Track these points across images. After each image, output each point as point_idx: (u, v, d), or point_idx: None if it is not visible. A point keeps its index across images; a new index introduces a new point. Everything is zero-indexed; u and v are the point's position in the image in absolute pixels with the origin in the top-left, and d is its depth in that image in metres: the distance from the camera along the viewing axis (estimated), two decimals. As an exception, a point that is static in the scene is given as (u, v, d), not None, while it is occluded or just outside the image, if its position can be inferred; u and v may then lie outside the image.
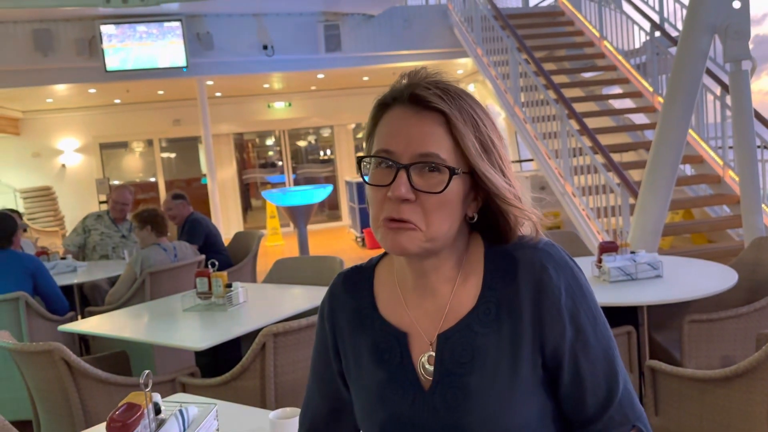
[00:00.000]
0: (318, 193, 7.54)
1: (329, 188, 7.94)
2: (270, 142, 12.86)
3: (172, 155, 12.27)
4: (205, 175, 12.12)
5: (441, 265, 0.93)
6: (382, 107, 0.92)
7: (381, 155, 0.88)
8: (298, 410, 1.53)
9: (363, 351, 0.98)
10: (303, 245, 7.55)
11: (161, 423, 1.47)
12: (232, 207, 11.83)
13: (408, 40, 8.89)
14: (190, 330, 2.83)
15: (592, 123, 6.16)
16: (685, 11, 7.14)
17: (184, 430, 1.49)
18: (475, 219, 0.92)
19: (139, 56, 7.83)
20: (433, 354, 0.92)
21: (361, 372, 0.98)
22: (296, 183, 12.28)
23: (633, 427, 0.91)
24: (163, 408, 1.51)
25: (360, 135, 12.96)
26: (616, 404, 0.90)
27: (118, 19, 7.74)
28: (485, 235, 0.95)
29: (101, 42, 7.70)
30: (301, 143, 12.88)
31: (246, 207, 12.37)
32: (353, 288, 1.02)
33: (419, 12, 9.21)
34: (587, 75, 8.25)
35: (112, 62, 7.77)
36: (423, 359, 0.92)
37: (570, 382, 0.89)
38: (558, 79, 7.20)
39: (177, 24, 7.81)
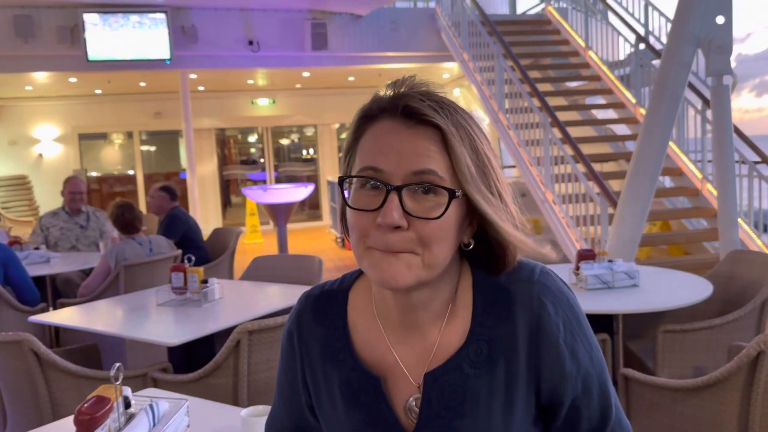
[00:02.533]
0: (299, 192, 7.51)
1: (311, 187, 7.90)
2: (252, 138, 12.78)
3: (152, 148, 12.13)
4: (185, 170, 12.02)
5: (431, 298, 0.84)
6: (367, 119, 0.82)
7: (368, 174, 0.78)
8: (268, 408, 1.52)
9: (335, 388, 0.89)
10: (282, 244, 7.51)
11: (130, 417, 1.44)
12: (212, 203, 11.73)
13: (395, 42, 8.89)
14: (164, 325, 2.79)
15: (574, 132, 6.21)
16: (670, 25, 7.24)
17: (154, 425, 1.47)
18: (471, 246, 0.84)
19: (121, 46, 7.73)
20: (420, 396, 0.84)
21: (335, 410, 0.89)
22: (278, 181, 12.22)
23: None
24: (133, 402, 1.48)
25: (343, 135, 12.94)
26: (608, 428, 0.87)
27: (101, 8, 7.63)
28: (474, 262, 0.87)
29: (84, 30, 7.59)
30: (284, 141, 12.82)
31: (225, 203, 12.27)
32: (323, 316, 0.91)
33: (407, 14, 9.22)
34: (571, 84, 8.32)
35: (94, 52, 7.66)
36: (410, 402, 0.85)
37: (567, 415, 0.85)
38: (542, 87, 7.24)
39: (162, 15, 7.72)
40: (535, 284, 0.83)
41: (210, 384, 2.36)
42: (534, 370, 0.82)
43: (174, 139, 12.25)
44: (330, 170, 12.33)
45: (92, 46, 7.62)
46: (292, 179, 12.21)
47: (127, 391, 1.46)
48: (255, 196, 7.55)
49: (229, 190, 12.43)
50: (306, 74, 10.00)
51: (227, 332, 2.60)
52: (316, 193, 11.90)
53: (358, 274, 0.93)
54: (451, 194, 0.77)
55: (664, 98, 4.06)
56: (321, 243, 9.93)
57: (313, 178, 12.41)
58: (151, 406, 1.49)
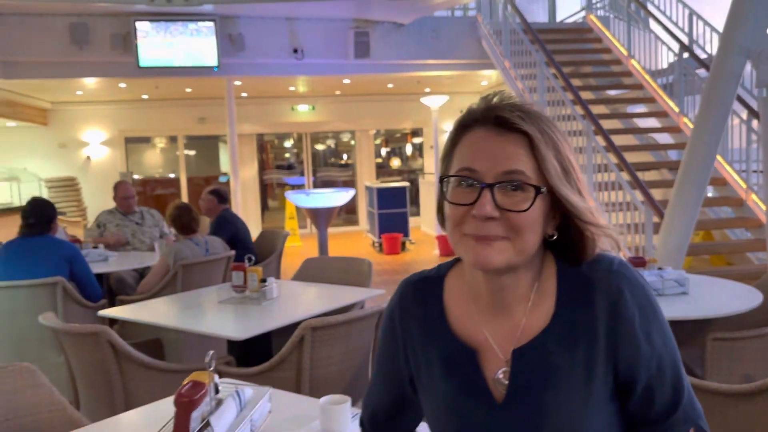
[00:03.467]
0: (340, 197, 7.63)
1: (352, 192, 8.03)
2: (288, 144, 13.00)
3: (192, 152, 12.43)
4: (224, 174, 12.28)
5: (517, 282, 0.95)
6: (463, 129, 0.94)
7: (464, 174, 0.91)
8: (346, 398, 1.62)
9: (434, 362, 1.00)
10: (323, 247, 7.64)
11: (219, 402, 1.56)
12: (252, 206, 11.96)
13: (435, 49, 8.98)
14: (226, 321, 2.92)
15: (615, 140, 6.21)
16: (714, 34, 7.20)
17: (240, 409, 1.58)
18: (555, 237, 0.94)
19: (171, 54, 7.98)
20: (508, 369, 0.95)
21: (433, 382, 1.00)
22: (314, 186, 12.40)
23: (694, 425, 0.96)
24: (220, 388, 1.60)
25: (378, 141, 13.08)
26: (681, 408, 0.94)
27: (153, 17, 7.89)
28: (558, 254, 0.97)
29: (136, 38, 7.86)
30: (320, 147, 13.01)
31: (263, 207, 12.50)
32: (422, 298, 1.04)
33: (448, 23, 9.31)
34: (612, 92, 8.31)
35: (145, 58, 7.92)
36: (498, 374, 0.96)
37: (641, 392, 0.93)
38: (583, 95, 7.26)
39: (211, 24, 7.95)
40: (615, 273, 0.93)
41: (273, 377, 2.47)
42: (612, 350, 0.91)
43: (214, 143, 12.53)
44: (367, 175, 12.47)
45: (143, 53, 7.89)
46: (328, 184, 12.37)
47: (216, 378, 1.58)
48: (297, 200, 7.70)
49: (266, 194, 12.66)
50: (346, 81, 10.16)
51: (284, 330, 2.72)
52: (352, 198, 12.05)
53: (453, 263, 1.05)
54: (537, 190, 0.89)
55: (713, 108, 4.07)
56: (358, 247, 10.05)
57: (349, 183, 12.56)
58: (237, 392, 1.61)
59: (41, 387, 1.90)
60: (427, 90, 11.25)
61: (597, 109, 7.18)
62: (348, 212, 12.57)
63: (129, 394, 2.52)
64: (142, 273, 4.62)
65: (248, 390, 1.64)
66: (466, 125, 0.94)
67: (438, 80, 10.41)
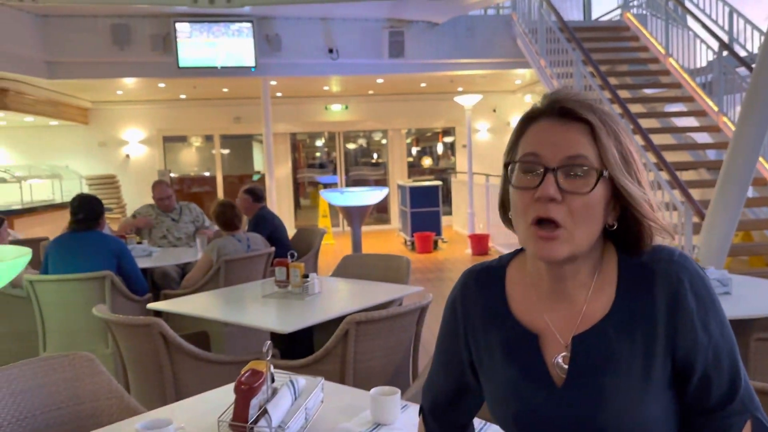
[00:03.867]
0: (374, 195, 7.69)
1: (385, 191, 8.08)
2: (319, 143, 13.11)
3: (226, 151, 12.62)
4: (257, 172, 12.45)
5: (578, 271, 0.98)
6: (529, 120, 0.99)
7: (529, 159, 0.95)
8: (395, 389, 1.66)
9: (495, 347, 1.05)
10: (357, 245, 7.70)
11: (275, 391, 1.61)
12: (286, 205, 12.10)
13: (470, 48, 8.99)
14: (270, 315, 2.99)
15: (653, 140, 6.15)
16: (755, 32, 7.07)
17: (295, 398, 1.63)
18: (615, 227, 0.97)
19: (210, 54, 8.14)
20: (567, 354, 0.98)
21: (494, 366, 1.05)
22: (346, 184, 12.49)
23: (751, 416, 0.97)
24: (275, 378, 1.66)
25: (409, 140, 13.11)
26: (738, 398, 0.96)
27: (192, 18, 8.05)
28: (618, 244, 1.00)
29: (175, 39, 8.02)
30: (351, 146, 13.09)
31: (296, 205, 12.64)
32: (484, 286, 1.09)
33: (483, 21, 9.31)
34: (649, 91, 8.21)
35: (185, 59, 8.08)
36: (558, 359, 0.99)
37: (698, 381, 0.96)
38: (620, 94, 7.19)
39: (248, 25, 8.08)
40: (675, 264, 0.96)
41: (318, 370, 2.52)
42: (670, 339, 0.95)
43: (248, 143, 12.71)
44: (398, 174, 12.51)
45: (183, 54, 8.05)
46: (360, 183, 12.45)
47: (271, 367, 1.64)
48: (332, 198, 7.78)
49: (298, 192, 12.79)
50: (380, 81, 10.22)
51: (326, 325, 2.78)
52: (384, 196, 12.10)
53: (514, 254, 1.10)
54: (599, 174, 0.92)
55: (757, 107, 4.02)
56: (391, 246, 10.10)
57: (381, 182, 12.61)
58: (291, 382, 1.66)
59: (100, 375, 1.96)
60: (460, 89, 11.25)
61: (634, 108, 7.11)
62: (379, 211, 12.63)
63: (179, 383, 2.60)
64: (184, 268, 4.74)
65: (302, 380, 1.70)
66: (531, 117, 0.99)
67: (471, 79, 10.40)
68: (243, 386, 1.50)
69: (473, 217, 9.49)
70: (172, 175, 11.90)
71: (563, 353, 0.99)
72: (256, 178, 12.15)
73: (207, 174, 12.43)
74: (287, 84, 10.09)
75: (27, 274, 3.66)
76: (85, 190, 10.52)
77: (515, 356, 1.02)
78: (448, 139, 13.13)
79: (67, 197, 8.84)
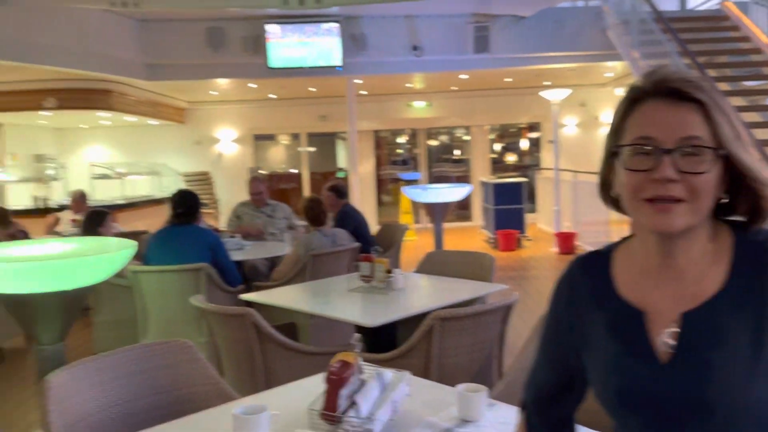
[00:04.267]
0: (457, 192, 7.67)
1: (468, 187, 8.04)
2: (401, 140, 13.18)
3: (311, 149, 12.92)
4: (341, 169, 12.67)
5: (690, 246, 0.99)
6: (632, 102, 0.99)
7: (641, 142, 0.95)
8: (482, 387, 1.67)
9: (599, 325, 1.05)
10: (439, 241, 7.71)
11: (363, 382, 1.66)
12: (369, 201, 12.26)
13: (557, 41, 8.78)
14: (356, 309, 3.06)
15: (755, 134, 5.81)
16: None
17: (383, 390, 1.67)
18: (724, 201, 0.98)
19: (299, 55, 8.36)
20: (675, 330, 0.98)
21: (597, 344, 1.06)
22: (429, 181, 12.50)
23: None
24: (363, 370, 1.70)
25: (492, 136, 12.96)
26: None
27: (282, 19, 8.30)
28: (732, 221, 1.01)
29: (266, 40, 8.29)
30: (433, 142, 13.07)
31: (378, 202, 12.78)
32: (591, 269, 1.10)
33: (571, 13, 9.06)
34: (751, 83, 7.75)
35: (274, 59, 8.34)
36: (664, 335, 0.99)
37: None
38: (719, 86, 6.83)
39: (336, 25, 8.24)
40: None
41: (402, 364, 2.54)
42: None
43: (331, 140, 12.96)
44: (481, 171, 12.40)
45: (273, 55, 8.31)
46: (442, 179, 12.42)
47: (360, 360, 1.69)
48: (414, 194, 7.82)
49: (379, 189, 12.92)
50: (463, 77, 10.15)
51: (410, 320, 2.81)
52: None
53: (621, 241, 1.11)
54: (716, 152, 0.93)
55: None
56: (473, 243, 10.03)
57: (463, 179, 12.53)
58: (379, 374, 1.70)
59: (197, 362, 2.06)
60: (547, 83, 11.00)
61: (734, 101, 6.74)
62: (461, 208, 12.56)
63: (269, 372, 2.71)
64: (273, 261, 4.91)
65: (388, 373, 1.73)
66: (636, 98, 0.99)
67: (559, 73, 10.14)
68: (334, 377, 1.55)
69: (559, 215, 9.28)
70: (261, 171, 12.32)
71: (670, 329, 0.99)
72: (341, 175, 12.37)
73: (294, 171, 12.78)
74: (371, 82, 10.21)
75: (131, 265, 3.90)
76: (182, 186, 11.05)
77: (619, 333, 1.03)
78: (534, 135, 12.88)
79: (165, 193, 9.34)
